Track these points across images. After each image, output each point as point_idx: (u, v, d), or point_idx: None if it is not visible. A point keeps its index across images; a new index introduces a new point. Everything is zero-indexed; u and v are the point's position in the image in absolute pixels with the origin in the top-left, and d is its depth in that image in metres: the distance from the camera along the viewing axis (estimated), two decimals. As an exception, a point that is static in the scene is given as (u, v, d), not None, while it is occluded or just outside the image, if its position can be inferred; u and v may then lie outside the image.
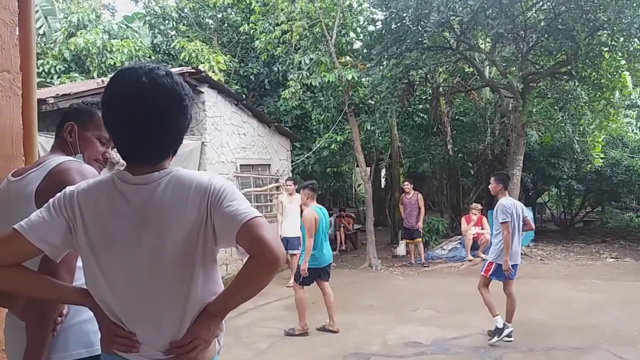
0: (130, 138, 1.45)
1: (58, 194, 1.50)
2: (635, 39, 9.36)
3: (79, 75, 10.60)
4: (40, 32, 12.41)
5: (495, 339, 5.46)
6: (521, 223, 5.72)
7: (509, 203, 5.66)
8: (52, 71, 10.75)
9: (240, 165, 9.26)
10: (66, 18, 11.59)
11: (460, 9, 8.88)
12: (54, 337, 1.68)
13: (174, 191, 1.43)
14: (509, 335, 5.47)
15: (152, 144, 1.46)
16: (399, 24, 10.16)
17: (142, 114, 1.41)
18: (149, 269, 1.43)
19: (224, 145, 8.66)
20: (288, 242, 8.46)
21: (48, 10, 12.62)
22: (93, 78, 9.78)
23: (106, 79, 7.22)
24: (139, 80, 1.41)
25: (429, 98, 13.41)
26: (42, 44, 11.84)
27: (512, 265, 5.58)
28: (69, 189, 1.51)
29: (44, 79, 10.44)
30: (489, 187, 6.05)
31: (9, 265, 1.43)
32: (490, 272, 5.65)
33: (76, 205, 1.46)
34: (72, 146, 1.94)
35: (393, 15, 10.06)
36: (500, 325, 5.49)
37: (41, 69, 10.79)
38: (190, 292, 1.44)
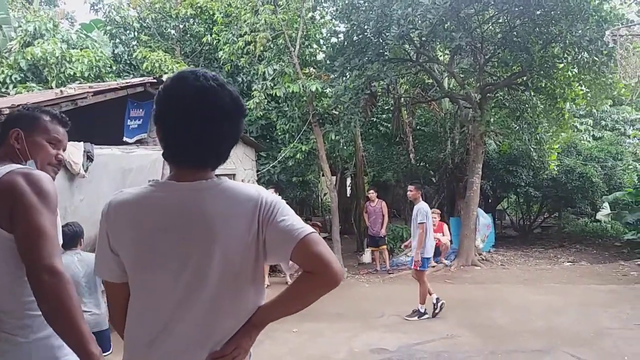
0: (191, 140, 1.39)
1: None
2: (585, 52, 9.79)
3: (36, 85, 10.32)
4: (-5, 41, 12.04)
5: (416, 318, 6.79)
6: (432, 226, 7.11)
7: (428, 208, 6.95)
8: (8, 81, 10.41)
9: (204, 175, 9.18)
10: (21, 27, 11.29)
11: (420, 22, 9.11)
12: (16, 352, 1.64)
13: (224, 201, 1.39)
14: (425, 313, 6.84)
15: (212, 147, 1.42)
16: (360, 36, 10.34)
17: (209, 116, 1.38)
18: (195, 284, 1.38)
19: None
20: None
21: (3, 18, 12.24)
22: (51, 88, 9.53)
23: (65, 89, 7.08)
24: (207, 83, 1.38)
25: (392, 108, 13.65)
26: (-3, 53, 11.50)
27: (426, 258, 6.92)
28: (104, 208, 1.46)
29: (-1, 89, 10.14)
30: (408, 193, 7.23)
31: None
32: (421, 264, 6.85)
33: (112, 224, 1.43)
34: (21, 153, 1.87)
35: (355, 28, 10.23)
36: (422, 310, 6.84)
37: (-4, 78, 10.46)
38: (240, 306, 1.43)
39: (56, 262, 1.63)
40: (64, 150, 2.01)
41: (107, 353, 3.84)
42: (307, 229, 1.39)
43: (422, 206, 6.89)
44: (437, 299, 6.94)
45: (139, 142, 7.87)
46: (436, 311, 6.87)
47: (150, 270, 1.40)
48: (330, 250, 1.41)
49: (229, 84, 1.45)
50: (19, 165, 1.78)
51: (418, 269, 6.87)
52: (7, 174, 1.69)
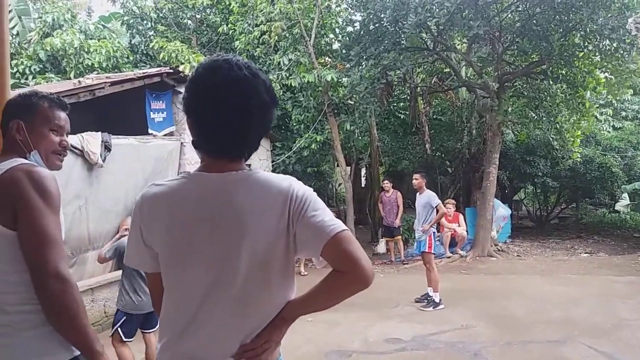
0: (222, 128, 1.38)
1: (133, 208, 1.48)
2: (607, 40, 9.60)
3: (54, 75, 10.44)
4: (14, 32, 12.18)
5: (431, 309, 6.81)
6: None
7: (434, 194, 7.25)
8: (27, 72, 10.55)
9: (221, 165, 9.25)
10: (41, 18, 11.41)
11: (437, 10, 9.01)
12: (16, 347, 1.63)
13: (254, 194, 1.38)
14: (440, 304, 6.90)
15: (244, 136, 1.41)
16: (377, 25, 10.25)
17: (242, 106, 1.36)
18: (225, 276, 1.37)
19: (203, 146, 8.61)
20: None
21: (22, 9, 12.40)
22: (70, 79, 9.65)
23: (83, 80, 7.16)
24: (240, 72, 1.37)
25: (408, 98, 13.56)
26: (16, 44, 11.64)
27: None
28: (137, 201, 1.45)
29: (18, 80, 10.26)
30: (414, 182, 7.37)
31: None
32: (433, 247, 7.13)
33: (146, 217, 1.43)
34: (24, 145, 1.82)
35: (371, 17, 10.15)
36: (437, 300, 6.89)
37: (15, 69, 10.58)
38: (269, 299, 1.43)
39: (62, 267, 1.62)
40: (68, 134, 1.95)
41: (155, 329, 4.29)
42: (339, 226, 1.37)
43: (431, 193, 7.23)
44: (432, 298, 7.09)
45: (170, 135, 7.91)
46: (429, 308, 6.90)
47: (182, 262, 1.39)
48: (361, 250, 1.38)
49: (261, 72, 1.44)
50: (22, 160, 1.74)
51: (432, 252, 7.14)
52: (9, 171, 1.66)
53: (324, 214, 1.39)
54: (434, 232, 7.19)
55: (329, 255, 1.36)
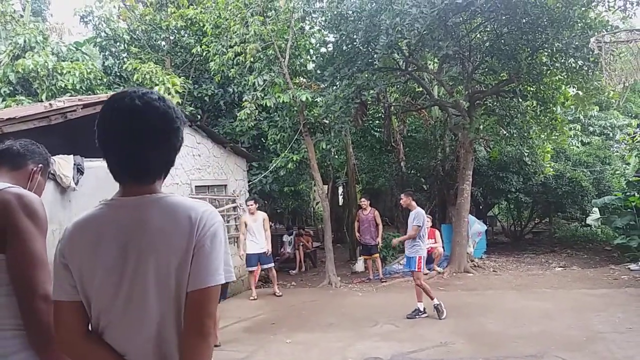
0: (124, 157, 1.47)
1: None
2: (572, 58, 9.91)
3: (25, 98, 10.27)
4: (-16, 54, 11.99)
5: (415, 317, 7.24)
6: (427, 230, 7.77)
7: (424, 213, 7.51)
8: (-3, 94, 10.38)
9: (196, 186, 9.20)
10: (11, 40, 11.26)
11: (408, 31, 9.19)
12: None
13: (162, 217, 1.44)
14: (424, 312, 7.34)
15: (144, 162, 1.48)
16: (349, 46, 10.41)
17: (136, 133, 1.44)
18: (134, 296, 1.42)
19: (177, 167, 8.58)
20: (259, 258, 9.12)
21: (-8, 32, 12.23)
22: (41, 101, 9.50)
23: (55, 102, 7.06)
24: (132, 102, 1.45)
25: (382, 116, 13.73)
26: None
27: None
28: (65, 230, 1.51)
29: (-12, 102, 10.08)
30: (401, 201, 7.70)
31: (78, 335, 1.46)
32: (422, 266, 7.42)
33: (68, 245, 1.48)
34: (30, 187, 1.93)
35: (344, 38, 10.30)
36: (421, 309, 7.31)
37: (-15, 92, 10.41)
38: (161, 317, 1.43)
39: (49, 289, 1.62)
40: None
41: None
42: (218, 277, 1.43)
43: (419, 211, 7.46)
44: (421, 311, 7.37)
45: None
46: (415, 316, 7.30)
47: (95, 283, 1.44)
48: (215, 317, 1.44)
49: (159, 99, 1.49)
50: (9, 184, 1.78)
51: (421, 270, 7.42)
52: (2, 191, 1.70)
53: (216, 257, 1.44)
54: (417, 250, 7.36)
55: (191, 302, 1.41)
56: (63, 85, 10.30)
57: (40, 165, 1.99)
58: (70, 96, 8.96)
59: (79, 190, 6.08)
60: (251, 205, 9.22)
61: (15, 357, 1.64)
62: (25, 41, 10.81)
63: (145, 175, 1.50)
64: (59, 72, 10.41)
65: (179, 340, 1.44)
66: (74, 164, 6.06)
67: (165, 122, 1.48)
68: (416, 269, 7.28)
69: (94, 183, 6.35)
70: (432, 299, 7.23)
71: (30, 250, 1.65)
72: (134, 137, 1.44)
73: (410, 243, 7.40)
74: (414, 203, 7.56)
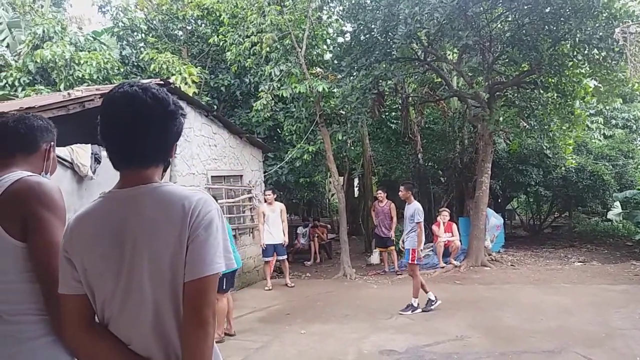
0: (120, 142, 1.49)
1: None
2: (596, 49, 9.67)
3: (44, 87, 10.37)
4: (4, 44, 12.13)
5: (409, 313, 7.10)
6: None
7: (421, 207, 7.33)
8: (17, 83, 10.48)
9: (212, 176, 9.21)
10: (31, 30, 11.36)
11: (427, 21, 9.04)
12: (24, 353, 1.65)
13: (156, 207, 1.45)
14: (417, 307, 7.18)
15: (139, 148, 1.49)
16: (367, 36, 10.30)
17: (128, 119, 1.46)
18: (131, 287, 1.43)
19: (194, 157, 8.59)
20: (275, 249, 9.18)
21: (12, 22, 12.36)
22: (59, 91, 9.58)
23: (73, 92, 7.10)
24: (129, 89, 1.48)
25: (399, 108, 13.60)
26: (6, 56, 11.58)
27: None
28: (67, 225, 1.54)
29: (7, 92, 10.19)
30: (400, 194, 7.48)
31: (82, 327, 1.49)
32: (416, 258, 7.27)
33: (70, 239, 1.49)
34: (46, 168, 1.92)
35: (362, 28, 10.19)
36: (415, 304, 7.16)
37: (5, 81, 10.54)
38: (180, 309, 1.43)
39: None
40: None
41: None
42: (216, 266, 1.41)
43: (417, 206, 7.31)
44: (433, 300, 7.30)
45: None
46: (430, 308, 7.20)
47: (97, 276, 1.45)
48: (214, 306, 1.44)
49: (155, 87, 1.52)
50: (28, 172, 1.78)
51: (415, 262, 7.26)
52: (18, 182, 1.70)
53: (213, 245, 1.43)
54: (413, 243, 7.32)
55: (189, 292, 1.40)
56: (80, 75, 10.38)
57: (51, 142, 1.96)
58: (87, 86, 9.01)
59: (96, 179, 6.12)
60: (269, 195, 9.29)
61: (40, 342, 1.68)
62: (44, 31, 10.90)
63: (138, 161, 1.50)
64: (77, 62, 10.48)
65: (179, 330, 1.43)
66: (92, 153, 6.09)
67: (161, 106, 1.49)
68: (409, 261, 7.29)
69: (110, 172, 6.38)
70: (416, 296, 7.21)
71: (51, 239, 1.66)
72: (125, 123, 1.47)
73: (406, 236, 7.43)
74: (412, 197, 7.44)
